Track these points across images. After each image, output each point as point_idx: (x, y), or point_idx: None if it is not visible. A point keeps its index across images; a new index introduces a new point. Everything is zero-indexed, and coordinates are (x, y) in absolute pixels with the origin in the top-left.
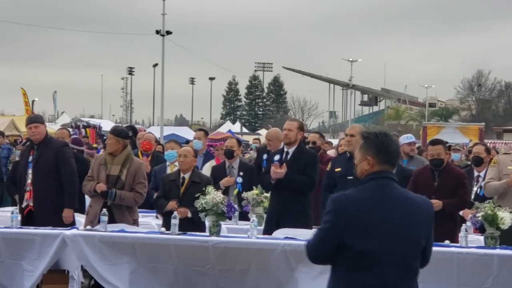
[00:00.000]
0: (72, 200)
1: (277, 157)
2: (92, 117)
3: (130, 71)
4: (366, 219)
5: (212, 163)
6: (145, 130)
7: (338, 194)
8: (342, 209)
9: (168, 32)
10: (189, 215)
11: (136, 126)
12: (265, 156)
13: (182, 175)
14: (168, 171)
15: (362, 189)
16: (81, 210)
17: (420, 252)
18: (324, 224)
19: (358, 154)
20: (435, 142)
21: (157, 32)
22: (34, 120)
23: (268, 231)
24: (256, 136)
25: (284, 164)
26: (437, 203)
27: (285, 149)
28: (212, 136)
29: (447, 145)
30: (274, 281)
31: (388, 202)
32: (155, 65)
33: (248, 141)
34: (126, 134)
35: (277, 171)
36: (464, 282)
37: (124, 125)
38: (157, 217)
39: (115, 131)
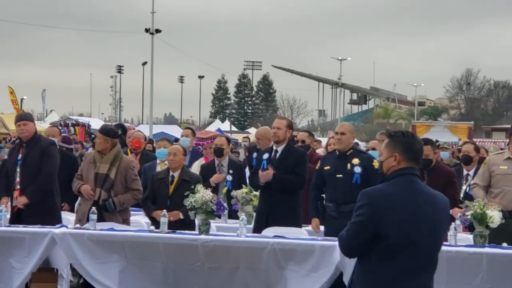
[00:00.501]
0: (33, 194)
1: (265, 156)
2: (81, 115)
3: (119, 70)
4: (398, 212)
5: (201, 161)
6: (134, 129)
7: (369, 189)
8: (376, 203)
9: (158, 31)
10: (181, 216)
11: (125, 124)
12: (255, 155)
13: (171, 173)
14: (158, 169)
15: (390, 184)
16: (71, 209)
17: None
18: (358, 218)
19: (385, 151)
20: (424, 142)
21: (147, 30)
22: (23, 117)
23: (257, 229)
24: (246, 135)
25: (270, 166)
26: None
27: (274, 148)
28: (201, 135)
29: (437, 143)
30: (264, 279)
31: (417, 196)
32: (144, 64)
33: (237, 140)
34: (115, 133)
35: (264, 174)
36: (453, 281)
37: (113, 124)
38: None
39: (104, 130)
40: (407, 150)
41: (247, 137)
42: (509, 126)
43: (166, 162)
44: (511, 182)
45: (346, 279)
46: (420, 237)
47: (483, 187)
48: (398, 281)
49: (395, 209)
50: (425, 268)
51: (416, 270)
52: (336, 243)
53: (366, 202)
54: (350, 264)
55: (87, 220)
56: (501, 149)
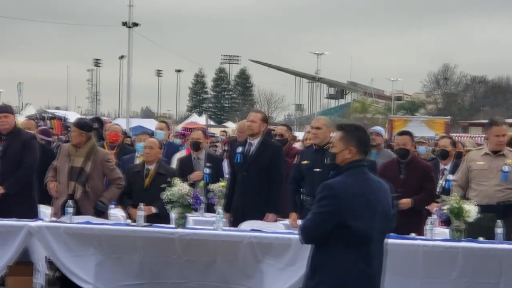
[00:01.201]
0: (12, 186)
1: (240, 149)
2: (57, 108)
3: (97, 63)
4: (358, 201)
5: (182, 153)
6: (111, 122)
7: (331, 181)
8: (338, 193)
9: (135, 24)
10: (154, 210)
11: (102, 118)
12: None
13: (147, 166)
14: (137, 162)
15: (347, 175)
16: (48, 202)
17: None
18: (322, 208)
19: (340, 143)
20: (402, 132)
21: (124, 24)
22: (4, 109)
23: (234, 223)
24: (223, 129)
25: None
26: (406, 202)
27: (249, 141)
28: (186, 125)
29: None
30: (240, 272)
31: (370, 185)
32: (121, 57)
33: (215, 134)
34: (90, 126)
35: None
36: (430, 274)
37: (90, 117)
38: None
39: (79, 124)
40: (360, 144)
41: (225, 131)
42: (486, 121)
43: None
44: (486, 177)
45: None
46: (377, 223)
47: (461, 185)
48: (359, 267)
49: (355, 198)
50: (382, 252)
51: (377, 255)
52: None
53: (329, 194)
54: None
55: (63, 213)
56: (479, 145)
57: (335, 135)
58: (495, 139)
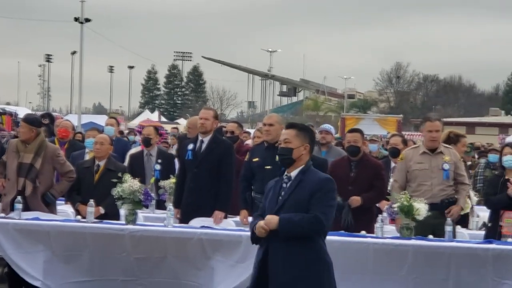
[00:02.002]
0: None
1: (190, 146)
2: (8, 104)
3: (48, 59)
4: None
5: (137, 149)
6: (62, 118)
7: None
8: None
9: (87, 20)
10: (102, 211)
11: (53, 113)
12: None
13: (97, 162)
14: (87, 158)
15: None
16: None
17: None
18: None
19: (296, 140)
20: (353, 130)
21: (76, 19)
22: None
23: (184, 220)
24: (175, 125)
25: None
26: (356, 200)
27: (200, 138)
28: (142, 123)
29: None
30: (191, 269)
31: None
32: (73, 53)
33: (167, 130)
34: (39, 122)
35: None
36: (380, 272)
37: (40, 113)
38: None
39: (28, 119)
40: (312, 143)
41: (176, 128)
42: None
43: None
44: (429, 177)
45: None
46: None
47: (401, 185)
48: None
49: None
50: None
51: None
52: None
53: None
54: None
55: (12, 210)
56: (414, 143)
57: (287, 132)
58: (428, 135)
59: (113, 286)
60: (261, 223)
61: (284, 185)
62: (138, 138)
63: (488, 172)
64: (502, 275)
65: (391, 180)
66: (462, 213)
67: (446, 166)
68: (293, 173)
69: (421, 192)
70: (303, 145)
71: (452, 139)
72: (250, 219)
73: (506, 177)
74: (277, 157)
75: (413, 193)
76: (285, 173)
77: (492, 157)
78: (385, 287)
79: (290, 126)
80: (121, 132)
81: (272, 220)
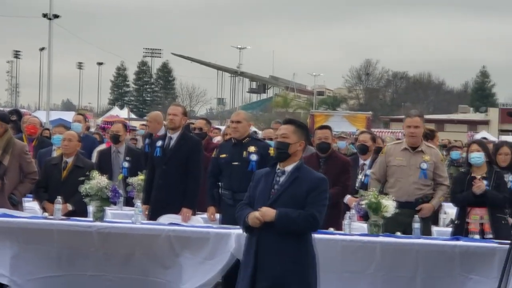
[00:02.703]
0: None
1: (159, 143)
2: None
3: (16, 55)
4: None
5: (102, 146)
6: (30, 114)
7: (321, 174)
8: None
9: (56, 16)
10: (70, 208)
11: (21, 110)
12: (147, 141)
13: (65, 159)
14: (54, 155)
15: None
16: None
17: None
18: (326, 201)
19: (294, 136)
20: (323, 127)
21: (44, 15)
22: None
23: (153, 217)
24: (144, 122)
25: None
26: None
27: (168, 135)
28: (106, 119)
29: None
30: (159, 266)
31: None
32: (42, 49)
33: (136, 127)
34: (8, 118)
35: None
36: (348, 269)
37: (8, 109)
38: None
39: None
40: (306, 141)
41: (144, 125)
42: None
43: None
44: (406, 174)
45: None
46: None
47: (379, 179)
48: None
49: None
50: None
51: None
52: (231, 231)
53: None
54: None
55: None
56: (398, 139)
57: (286, 127)
58: (407, 131)
59: (81, 281)
60: (256, 214)
61: (278, 178)
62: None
63: (453, 169)
64: (469, 270)
65: (359, 176)
66: None
67: (424, 165)
68: (288, 168)
69: (397, 188)
70: (300, 141)
71: (429, 135)
72: (217, 216)
73: (473, 174)
74: (244, 153)
75: (389, 189)
76: (278, 166)
77: (454, 154)
78: (353, 285)
79: (288, 122)
80: (88, 128)
81: (268, 212)
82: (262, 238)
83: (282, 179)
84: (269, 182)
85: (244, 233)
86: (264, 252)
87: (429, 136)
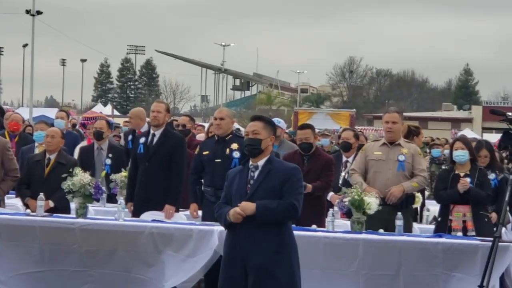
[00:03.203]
0: None
1: (142, 140)
2: None
3: None
4: None
5: (83, 143)
6: (13, 111)
7: (294, 165)
8: None
9: (39, 12)
10: (51, 204)
11: (4, 106)
12: (130, 137)
13: (47, 155)
14: (37, 152)
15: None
16: None
17: None
18: (302, 189)
19: (264, 132)
20: (304, 126)
21: (27, 11)
22: None
23: (136, 213)
24: (127, 119)
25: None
26: (308, 188)
27: (152, 132)
28: (86, 115)
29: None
30: (141, 263)
31: None
32: (25, 45)
33: (119, 124)
34: None
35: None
36: (330, 266)
37: None
38: None
39: None
40: (275, 134)
41: (128, 121)
42: None
43: (44, 145)
44: (384, 168)
45: None
46: None
47: (360, 174)
48: None
49: None
50: None
51: None
52: (214, 227)
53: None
54: None
55: None
56: (382, 136)
57: (255, 124)
58: (385, 126)
59: (64, 276)
60: (237, 209)
61: (252, 173)
62: (81, 131)
63: (434, 167)
64: (452, 268)
65: (342, 173)
66: (414, 206)
67: (401, 158)
68: (260, 163)
69: (376, 182)
70: (270, 136)
71: (414, 132)
72: (200, 212)
73: (456, 172)
74: (227, 150)
75: (368, 182)
76: (250, 162)
77: (435, 152)
78: (335, 282)
79: (257, 118)
80: (75, 126)
81: (247, 206)
82: (245, 233)
83: (256, 173)
84: (243, 178)
85: (226, 229)
86: (248, 245)
87: (414, 133)
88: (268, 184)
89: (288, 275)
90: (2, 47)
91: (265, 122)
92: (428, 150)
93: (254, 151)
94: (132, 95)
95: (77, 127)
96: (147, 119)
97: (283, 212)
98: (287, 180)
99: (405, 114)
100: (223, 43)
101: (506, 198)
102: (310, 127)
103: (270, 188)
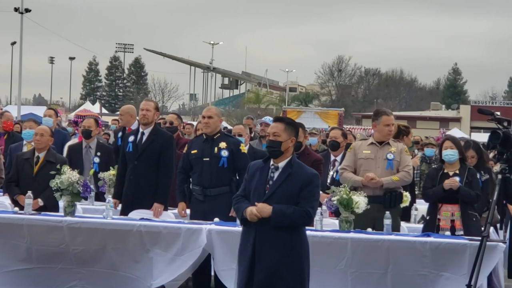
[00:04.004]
0: None
1: (131, 138)
2: None
3: None
4: None
5: (74, 141)
6: (1, 109)
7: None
8: None
9: (27, 10)
10: (41, 203)
11: None
12: (120, 134)
13: (37, 154)
14: (25, 150)
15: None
16: None
17: None
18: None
19: (284, 133)
20: None
21: (16, 9)
22: None
23: (124, 212)
24: (115, 117)
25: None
26: None
27: (141, 130)
28: (79, 113)
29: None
30: (129, 261)
31: None
32: (13, 43)
33: (108, 122)
34: None
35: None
36: (318, 264)
37: None
38: None
39: None
40: (296, 136)
41: (117, 120)
42: None
43: (33, 143)
44: (373, 166)
45: (217, 261)
46: None
47: (351, 171)
48: None
49: None
50: None
51: None
52: (203, 226)
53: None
54: (218, 246)
55: None
56: (369, 136)
57: (276, 125)
58: (385, 129)
59: (52, 274)
60: (253, 210)
61: (272, 174)
62: (70, 129)
63: (424, 166)
64: (440, 267)
65: (330, 172)
66: (402, 205)
67: (390, 156)
68: (281, 164)
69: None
70: (290, 138)
71: (404, 131)
72: (188, 211)
73: (445, 171)
74: (216, 149)
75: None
76: (272, 162)
77: (428, 151)
78: (324, 280)
79: (278, 120)
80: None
81: (264, 209)
82: (259, 232)
83: (276, 174)
84: (263, 177)
85: (242, 225)
86: (261, 245)
87: (404, 132)
88: (287, 187)
89: (297, 277)
90: None
91: (286, 123)
92: (416, 150)
93: (275, 153)
94: (121, 94)
95: (64, 125)
96: (137, 117)
97: (298, 219)
98: (306, 186)
99: (394, 113)
100: (212, 42)
101: (495, 198)
102: (300, 126)
103: (288, 192)
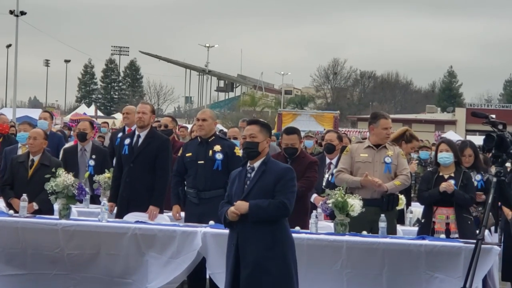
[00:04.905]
0: None
1: (127, 141)
2: None
3: None
4: None
5: (70, 144)
6: None
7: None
8: None
9: (23, 13)
10: (36, 207)
11: None
12: (120, 134)
13: (31, 157)
14: (20, 153)
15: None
16: None
17: None
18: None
19: (260, 135)
20: (290, 131)
21: (11, 12)
22: None
23: (119, 215)
24: (111, 120)
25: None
26: None
27: (137, 133)
28: (72, 117)
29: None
30: (124, 266)
31: None
32: (8, 46)
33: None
34: None
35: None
36: (314, 267)
37: None
38: None
39: None
40: (270, 137)
41: (106, 122)
42: None
43: (27, 146)
44: (371, 170)
45: (210, 263)
46: None
47: (348, 174)
48: None
49: None
50: None
51: None
52: (198, 229)
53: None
54: (213, 249)
55: None
56: (364, 139)
57: (252, 127)
58: (383, 132)
59: (46, 280)
60: (232, 208)
61: (249, 174)
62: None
63: (419, 169)
64: (435, 270)
65: (326, 175)
66: (398, 208)
67: (388, 160)
68: (256, 164)
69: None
70: (266, 139)
71: (407, 138)
72: (182, 214)
73: (441, 174)
74: (210, 152)
75: (359, 189)
76: (248, 164)
77: (423, 154)
78: (319, 281)
79: (253, 122)
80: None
81: (241, 205)
82: (240, 230)
83: (252, 174)
84: (242, 179)
85: (227, 227)
86: (243, 242)
87: (407, 139)
88: (262, 183)
89: (282, 270)
90: None
91: (261, 125)
92: (413, 156)
93: (252, 153)
94: (116, 96)
95: (58, 127)
96: None
97: (274, 211)
98: (280, 180)
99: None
100: (207, 44)
101: (489, 201)
102: (296, 132)
103: (264, 187)
